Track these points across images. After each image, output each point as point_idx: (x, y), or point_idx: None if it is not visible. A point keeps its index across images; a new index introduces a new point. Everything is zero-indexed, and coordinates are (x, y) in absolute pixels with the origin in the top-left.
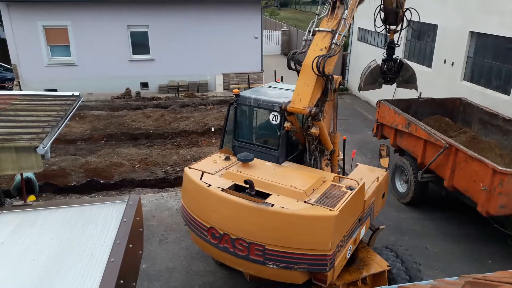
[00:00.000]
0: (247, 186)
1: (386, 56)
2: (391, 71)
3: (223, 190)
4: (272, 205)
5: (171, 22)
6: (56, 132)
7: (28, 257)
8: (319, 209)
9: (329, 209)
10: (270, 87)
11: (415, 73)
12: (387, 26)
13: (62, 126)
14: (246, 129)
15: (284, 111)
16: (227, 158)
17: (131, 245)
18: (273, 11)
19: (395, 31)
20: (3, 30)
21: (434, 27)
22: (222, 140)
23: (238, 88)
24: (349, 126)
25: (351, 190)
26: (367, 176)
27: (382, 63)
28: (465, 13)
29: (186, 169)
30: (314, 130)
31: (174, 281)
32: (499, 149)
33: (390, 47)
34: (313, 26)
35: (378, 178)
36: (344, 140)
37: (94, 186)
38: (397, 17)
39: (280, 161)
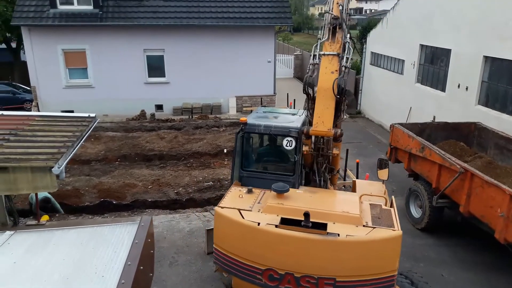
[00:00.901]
0: (296, 218)
1: None
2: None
3: (277, 226)
4: (338, 234)
5: (187, 46)
6: (71, 153)
7: (39, 277)
8: (385, 231)
9: (392, 230)
10: (264, 112)
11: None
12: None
13: (77, 147)
14: (255, 158)
15: (306, 135)
16: (249, 191)
17: (142, 267)
18: (286, 36)
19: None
20: (24, 53)
21: (447, 52)
22: (232, 172)
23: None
24: (362, 149)
25: (390, 207)
26: (374, 191)
27: None
28: (478, 38)
29: (218, 209)
30: (336, 151)
31: None
32: None
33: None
34: (318, 51)
35: (385, 192)
36: (357, 163)
37: (106, 207)
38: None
39: (296, 187)
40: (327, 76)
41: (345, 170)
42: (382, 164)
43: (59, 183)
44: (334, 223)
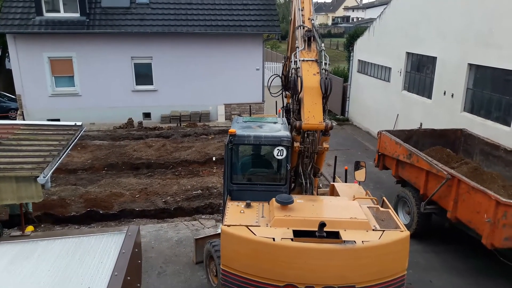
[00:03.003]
0: (308, 230)
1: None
2: None
3: (293, 240)
4: (355, 241)
5: (175, 54)
6: (57, 162)
7: None
8: (395, 233)
9: (400, 231)
10: (245, 121)
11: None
12: (284, 91)
13: (63, 156)
14: (245, 170)
15: (297, 130)
16: (248, 205)
17: (129, 278)
18: (274, 44)
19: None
20: (9, 61)
21: (433, 59)
22: (225, 185)
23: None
24: (350, 156)
25: (384, 208)
26: (355, 193)
27: None
28: (463, 46)
29: (225, 228)
30: (326, 145)
31: None
32: (501, 180)
33: (288, 111)
34: (298, 58)
35: (366, 193)
36: (346, 170)
37: (93, 217)
38: None
39: None
40: (311, 77)
41: (334, 177)
42: (358, 166)
43: (44, 192)
44: (345, 230)
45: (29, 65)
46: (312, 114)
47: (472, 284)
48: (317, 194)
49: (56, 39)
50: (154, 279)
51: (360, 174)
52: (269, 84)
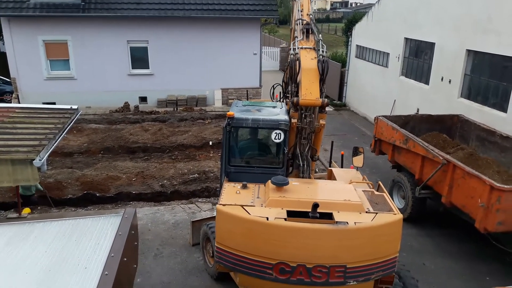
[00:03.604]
0: (302, 210)
1: None
2: None
3: (286, 219)
4: (347, 222)
5: (171, 37)
6: (53, 145)
7: (21, 270)
8: (387, 216)
9: (393, 214)
10: (244, 105)
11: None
12: (285, 99)
13: (59, 139)
14: (242, 152)
15: (295, 106)
16: (244, 186)
17: (125, 259)
18: (272, 28)
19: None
20: (4, 44)
21: (431, 45)
22: (222, 167)
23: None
24: (347, 141)
25: (379, 192)
26: (352, 178)
27: None
28: (462, 32)
29: (220, 207)
30: (322, 122)
31: None
32: (496, 165)
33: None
34: (297, 46)
35: (363, 178)
36: (342, 155)
37: (90, 199)
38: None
39: None
40: (309, 60)
41: (330, 162)
42: (357, 152)
43: (40, 175)
44: (338, 212)
45: (24, 48)
46: (309, 91)
47: (465, 268)
48: (314, 178)
49: (51, 22)
50: (150, 260)
51: (358, 160)
52: (271, 93)
